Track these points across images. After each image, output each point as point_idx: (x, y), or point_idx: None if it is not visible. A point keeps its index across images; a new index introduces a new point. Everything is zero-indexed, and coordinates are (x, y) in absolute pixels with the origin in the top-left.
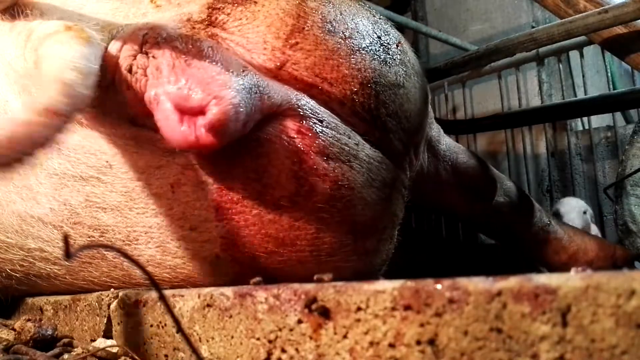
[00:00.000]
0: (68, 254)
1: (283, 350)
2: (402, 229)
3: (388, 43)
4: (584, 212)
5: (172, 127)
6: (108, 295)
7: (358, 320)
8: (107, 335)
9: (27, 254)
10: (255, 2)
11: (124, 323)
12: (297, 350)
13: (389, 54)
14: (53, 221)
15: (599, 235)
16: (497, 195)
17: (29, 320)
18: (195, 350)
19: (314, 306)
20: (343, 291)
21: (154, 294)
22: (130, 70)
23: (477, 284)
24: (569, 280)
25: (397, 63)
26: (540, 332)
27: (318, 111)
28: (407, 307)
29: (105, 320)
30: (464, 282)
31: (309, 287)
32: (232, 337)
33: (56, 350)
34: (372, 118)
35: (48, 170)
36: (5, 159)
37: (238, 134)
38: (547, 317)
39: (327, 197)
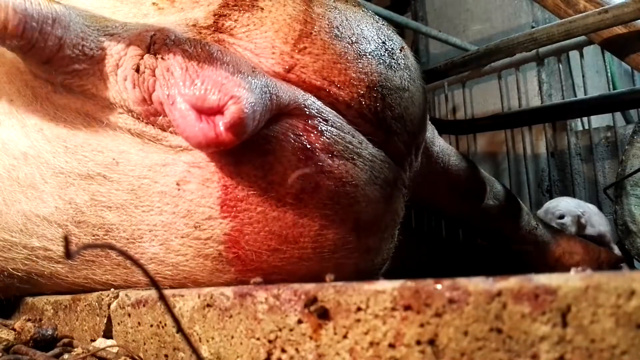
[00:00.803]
0: (68, 254)
1: (283, 351)
2: (402, 229)
3: (392, 48)
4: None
5: (191, 125)
6: (108, 295)
7: (358, 320)
8: (107, 335)
9: (30, 253)
10: (262, 9)
11: (124, 323)
12: (297, 350)
13: (393, 59)
14: (58, 220)
15: (608, 228)
16: (486, 198)
17: (29, 320)
18: (195, 350)
19: (313, 306)
20: (343, 291)
21: (154, 294)
22: (137, 70)
23: (477, 284)
24: (569, 281)
25: (402, 67)
26: (540, 332)
27: (323, 111)
28: (407, 308)
29: (105, 320)
30: (464, 282)
31: (309, 287)
32: (232, 337)
33: (56, 350)
34: (377, 120)
35: (54, 169)
36: None
37: (253, 132)
38: (547, 317)
39: (332, 193)
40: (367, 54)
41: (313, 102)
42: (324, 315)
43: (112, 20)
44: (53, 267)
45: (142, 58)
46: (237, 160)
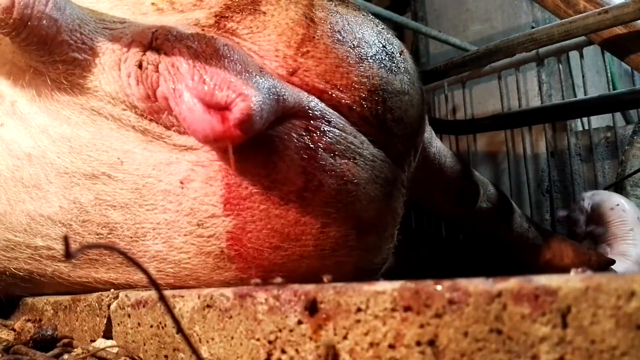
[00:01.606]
0: (68, 254)
1: (283, 351)
2: (401, 229)
3: (392, 52)
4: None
5: (198, 118)
6: (108, 295)
7: (358, 321)
8: (107, 335)
9: (34, 252)
10: (264, 13)
11: (123, 323)
12: (297, 351)
13: (394, 63)
14: (62, 219)
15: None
16: (480, 200)
17: (29, 320)
18: (195, 351)
19: (313, 307)
20: (343, 292)
21: (154, 295)
22: (140, 66)
23: (477, 285)
24: (569, 282)
25: (402, 71)
26: (540, 333)
27: (327, 113)
28: (407, 308)
29: (105, 320)
30: (464, 283)
31: (309, 287)
32: (232, 337)
33: (56, 351)
34: (378, 123)
35: (59, 169)
36: None
37: (259, 131)
38: (547, 318)
39: (334, 191)
40: (369, 57)
41: (317, 104)
42: (323, 315)
43: (110, 15)
44: (56, 266)
45: (144, 54)
46: (240, 158)
